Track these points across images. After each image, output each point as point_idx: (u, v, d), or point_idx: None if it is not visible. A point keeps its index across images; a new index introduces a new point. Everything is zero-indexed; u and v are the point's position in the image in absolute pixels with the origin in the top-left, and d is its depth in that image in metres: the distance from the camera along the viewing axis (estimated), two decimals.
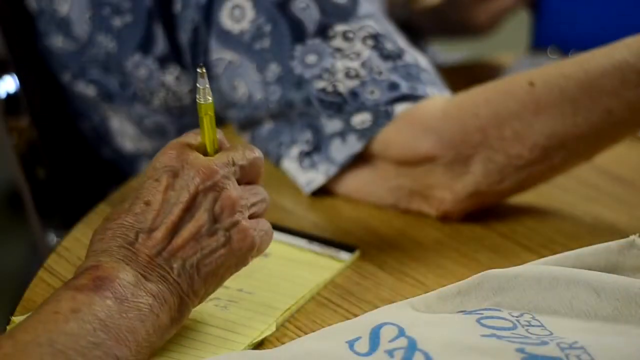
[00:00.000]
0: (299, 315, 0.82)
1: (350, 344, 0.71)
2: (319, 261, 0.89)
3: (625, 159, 1.03)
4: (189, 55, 1.04)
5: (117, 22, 1.06)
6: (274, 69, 0.98)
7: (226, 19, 1.00)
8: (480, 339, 0.70)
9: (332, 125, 0.97)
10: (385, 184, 0.96)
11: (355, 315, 0.79)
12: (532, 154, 0.91)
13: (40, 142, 1.15)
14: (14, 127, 1.15)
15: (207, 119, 0.78)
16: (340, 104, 0.96)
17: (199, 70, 0.77)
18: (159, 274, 0.73)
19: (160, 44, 1.05)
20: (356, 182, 0.98)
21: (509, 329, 0.72)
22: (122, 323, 0.69)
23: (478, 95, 0.93)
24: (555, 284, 0.75)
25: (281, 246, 0.90)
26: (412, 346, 0.70)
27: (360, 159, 0.97)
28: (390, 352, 0.70)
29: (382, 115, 0.95)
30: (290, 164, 1.00)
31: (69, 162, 1.19)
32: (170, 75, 1.07)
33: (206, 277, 0.75)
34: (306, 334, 0.78)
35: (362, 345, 0.71)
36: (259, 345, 0.78)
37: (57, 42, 1.10)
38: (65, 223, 1.15)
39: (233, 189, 0.76)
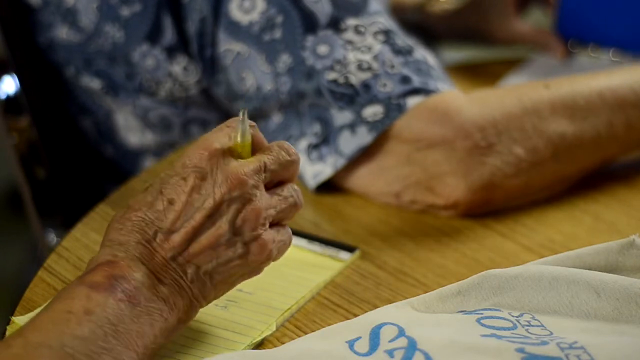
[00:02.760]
0: (299, 315, 0.82)
1: (350, 344, 0.71)
2: (319, 261, 0.89)
3: (625, 159, 1.03)
4: (195, 46, 1.04)
5: (125, 11, 1.06)
6: (285, 60, 0.99)
7: (235, 11, 1.00)
8: (480, 339, 0.70)
9: (342, 117, 0.97)
10: (393, 170, 0.96)
11: (355, 315, 0.79)
12: (546, 150, 0.95)
13: (40, 142, 1.15)
14: (14, 127, 1.15)
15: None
16: (351, 96, 0.97)
17: (240, 116, 0.74)
18: (172, 277, 0.72)
19: (169, 34, 1.05)
20: (363, 175, 0.98)
21: (509, 329, 0.72)
22: (133, 328, 0.69)
23: (500, 90, 1.00)
24: (555, 284, 0.75)
25: None
26: (412, 346, 0.70)
27: (369, 153, 0.97)
28: (390, 352, 0.70)
29: (394, 108, 0.95)
30: None
31: (69, 161, 1.19)
32: (178, 66, 1.07)
33: (218, 284, 0.75)
34: (306, 334, 0.78)
35: (362, 345, 0.71)
36: (259, 345, 0.78)
37: (62, 34, 1.10)
38: (65, 223, 1.15)
39: (259, 200, 0.74)
